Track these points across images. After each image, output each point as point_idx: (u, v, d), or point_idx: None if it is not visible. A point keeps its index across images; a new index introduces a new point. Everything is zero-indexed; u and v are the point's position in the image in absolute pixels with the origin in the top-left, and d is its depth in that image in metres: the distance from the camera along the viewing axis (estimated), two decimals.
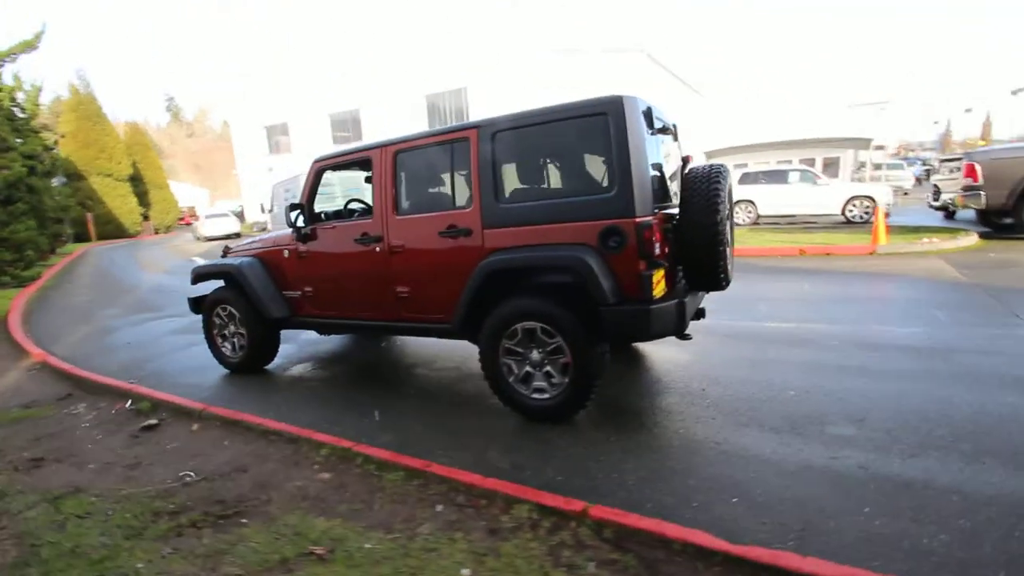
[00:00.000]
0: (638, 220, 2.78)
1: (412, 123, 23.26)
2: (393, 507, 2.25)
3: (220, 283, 4.78)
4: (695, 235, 3.08)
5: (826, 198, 12.78)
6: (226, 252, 4.83)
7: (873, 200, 12.39)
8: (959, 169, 9.05)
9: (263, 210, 16.75)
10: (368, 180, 4.65)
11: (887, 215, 11.96)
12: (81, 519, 2.24)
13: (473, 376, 4.07)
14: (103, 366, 4.94)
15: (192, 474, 2.66)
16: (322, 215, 4.18)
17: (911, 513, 2.07)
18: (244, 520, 2.22)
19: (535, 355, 3.12)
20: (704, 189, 3.08)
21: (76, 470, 2.83)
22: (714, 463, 2.56)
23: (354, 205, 4.52)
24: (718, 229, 3.05)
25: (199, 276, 4.77)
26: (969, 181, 8.32)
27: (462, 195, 3.32)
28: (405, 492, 2.35)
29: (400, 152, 3.53)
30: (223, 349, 4.66)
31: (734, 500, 2.23)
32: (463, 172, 3.31)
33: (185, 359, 5.21)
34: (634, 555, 1.83)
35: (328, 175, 4.09)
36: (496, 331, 3.17)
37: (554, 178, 3.18)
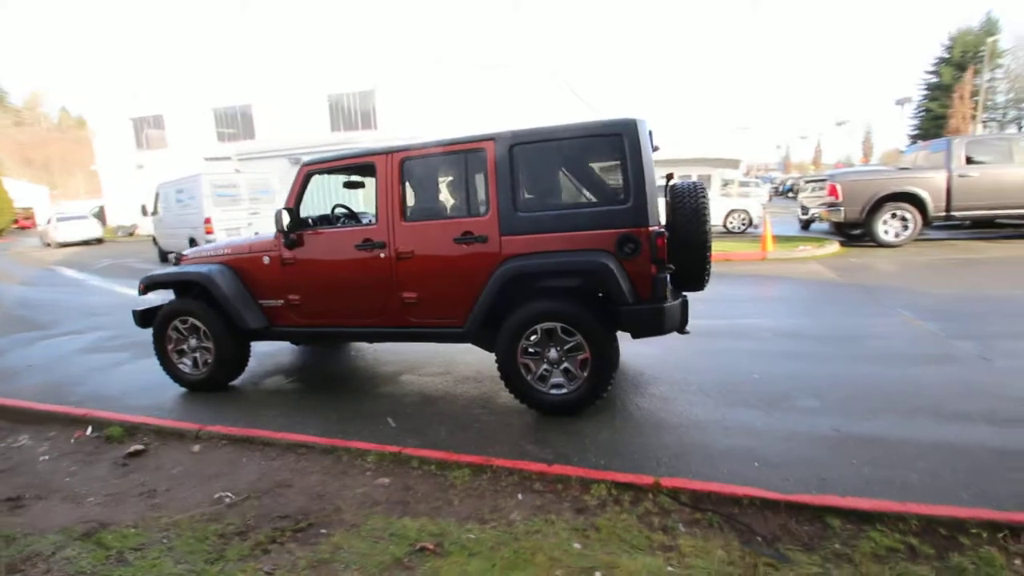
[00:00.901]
0: (651, 229, 3.16)
1: (312, 123, 22.14)
2: (473, 501, 2.35)
3: (170, 294, 4.37)
4: (686, 242, 3.54)
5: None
6: (180, 259, 4.41)
7: (748, 213, 14.35)
8: (823, 188, 10.90)
9: (145, 212, 14.85)
10: (350, 185, 4.58)
11: (756, 226, 13.98)
12: (139, 551, 2.02)
13: (467, 379, 4.19)
14: (16, 391, 4.23)
15: (230, 495, 2.49)
16: (309, 220, 4.03)
17: (885, 461, 2.64)
18: (324, 530, 2.17)
19: (553, 353, 3.36)
20: (692, 202, 3.55)
21: (74, 505, 2.48)
22: (724, 437, 2.99)
23: (339, 211, 4.40)
24: (706, 237, 3.54)
25: (152, 285, 4.30)
26: (832, 199, 10.09)
27: (477, 203, 3.46)
28: (477, 487, 2.45)
29: (408, 160, 3.57)
30: (180, 366, 4.25)
31: (756, 464, 2.66)
32: (478, 181, 3.45)
33: (120, 379, 4.64)
34: (712, 513, 2.15)
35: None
36: (516, 332, 3.35)
37: (569, 189, 3.45)
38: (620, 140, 3.17)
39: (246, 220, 12.28)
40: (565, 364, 3.35)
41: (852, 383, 3.68)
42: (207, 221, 11.61)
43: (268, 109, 22.83)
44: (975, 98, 31.60)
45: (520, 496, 2.36)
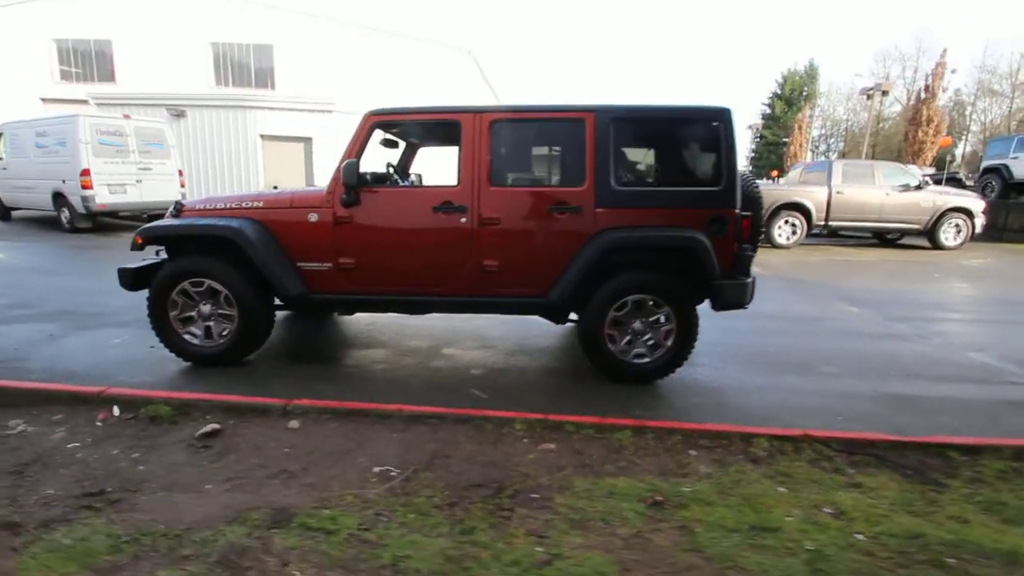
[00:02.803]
0: (738, 211, 3.45)
1: (191, 72, 19.23)
2: (654, 459, 2.40)
3: (162, 251, 3.68)
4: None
5: None
6: (180, 210, 3.68)
7: None
8: None
9: None
10: (388, 144, 4.21)
11: None
12: (370, 530, 1.73)
13: (516, 352, 4.16)
14: None
15: (394, 469, 2.22)
16: (367, 176, 3.61)
17: (919, 411, 3.23)
18: (535, 495, 2.07)
19: (637, 324, 3.50)
20: (748, 190, 3.92)
21: (198, 495, 2.01)
22: (794, 397, 3.41)
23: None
24: (760, 223, 3.94)
25: (154, 239, 3.55)
26: None
27: (573, 173, 3.43)
28: (647, 446, 2.51)
29: (498, 122, 3.41)
30: (186, 336, 3.58)
31: (838, 418, 3.08)
32: (575, 151, 3.42)
33: (76, 354, 3.79)
34: (861, 455, 2.49)
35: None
36: (607, 303, 3.42)
37: (663, 167, 3.57)
38: (717, 125, 3.38)
39: (134, 176, 10.38)
40: (649, 335, 3.50)
41: (846, 354, 4.37)
42: (84, 173, 9.58)
43: (133, 49, 19.26)
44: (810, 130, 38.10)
45: (693, 452, 2.48)
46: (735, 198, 3.42)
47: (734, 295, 3.45)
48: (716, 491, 2.14)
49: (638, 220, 3.39)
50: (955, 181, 18.45)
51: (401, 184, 3.90)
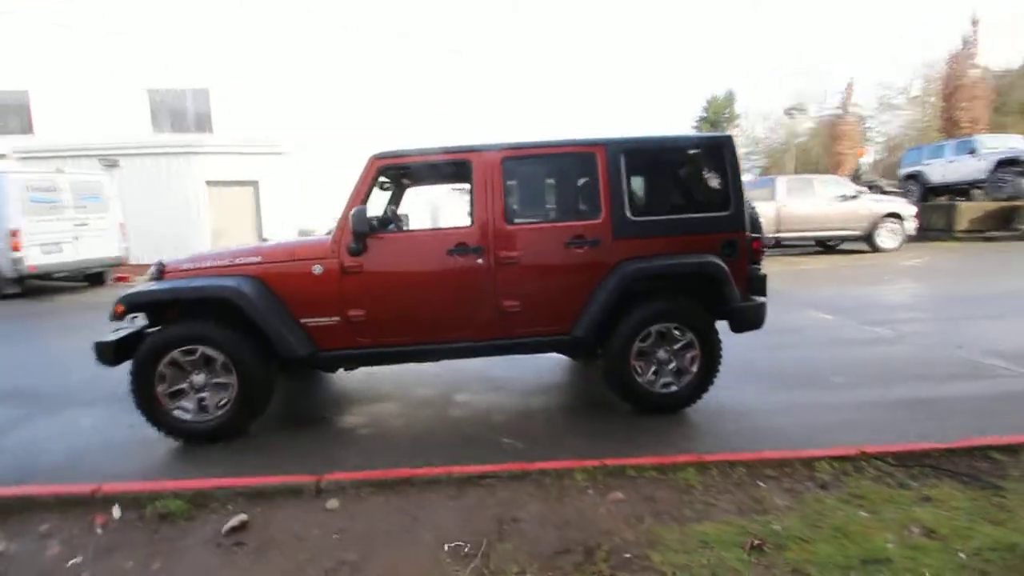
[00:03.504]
0: (748, 234, 3.52)
1: (126, 120, 18.21)
2: (728, 497, 2.31)
3: (138, 317, 3.34)
4: None
5: None
6: (162, 271, 3.34)
7: None
8: None
9: None
10: (386, 187, 4.06)
11: None
12: None
13: (531, 393, 4.02)
14: None
15: (466, 544, 2.01)
16: (373, 222, 3.42)
17: (934, 415, 3.33)
18: (627, 554, 1.91)
19: (662, 353, 3.45)
20: (750, 213, 4.02)
21: None
22: (825, 413, 3.45)
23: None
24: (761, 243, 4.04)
25: (136, 306, 3.19)
26: None
27: (588, 206, 3.40)
28: (715, 483, 2.41)
29: (510, 159, 3.34)
30: (176, 412, 3.21)
31: (871, 431, 3.12)
32: (589, 185, 3.40)
33: (48, 442, 3.34)
34: (918, 466, 2.50)
35: None
36: (631, 335, 3.36)
37: (673, 196, 3.59)
38: (720, 152, 3.47)
39: (71, 233, 9.57)
40: (674, 363, 3.47)
41: (844, 363, 4.50)
42: (14, 234, 8.73)
43: (53, 99, 18.04)
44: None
45: (762, 484, 2.41)
46: (744, 221, 3.49)
47: (753, 316, 3.48)
48: (806, 525, 2.07)
49: (655, 249, 3.39)
50: (876, 188, 20.13)
51: (406, 228, 3.75)
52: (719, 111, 51.28)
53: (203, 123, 18.84)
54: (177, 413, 3.22)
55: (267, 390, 3.31)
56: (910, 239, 12.44)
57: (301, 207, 15.52)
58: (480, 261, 3.30)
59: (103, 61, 17.91)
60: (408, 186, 4.56)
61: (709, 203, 3.52)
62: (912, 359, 4.55)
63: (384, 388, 4.16)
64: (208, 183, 15.44)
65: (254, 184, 15.64)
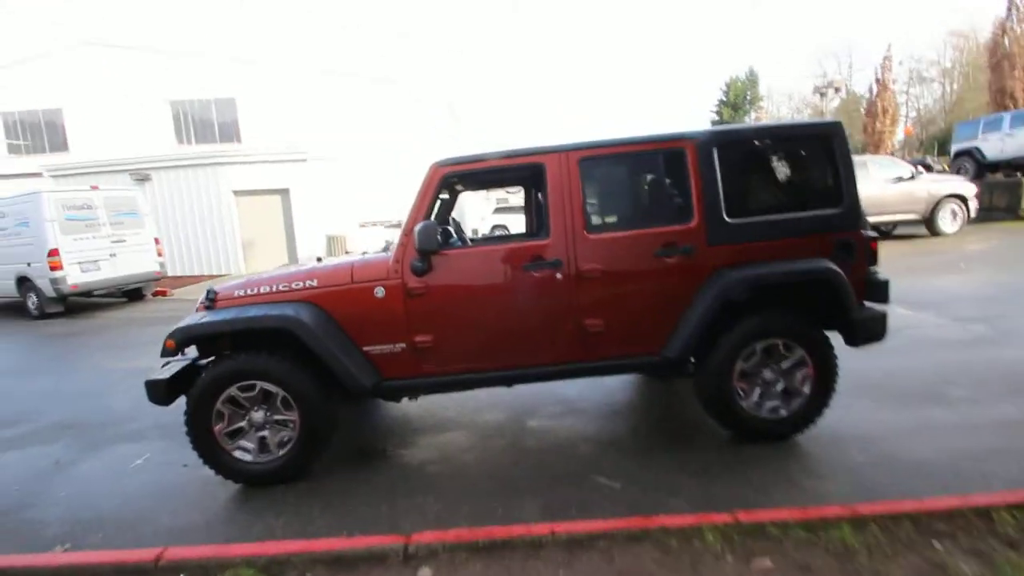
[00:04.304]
0: (864, 232, 3.07)
1: (150, 133, 18.40)
2: (902, 563, 1.91)
3: (185, 354, 3.08)
4: None
5: None
6: (214, 299, 3.07)
7: None
8: None
9: None
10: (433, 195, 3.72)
11: None
12: None
13: (603, 416, 3.68)
14: None
15: None
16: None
17: None
18: None
19: (768, 373, 3.04)
20: None
21: None
22: (931, 435, 3.05)
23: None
24: None
25: (189, 339, 2.92)
26: None
27: (678, 210, 3.00)
28: (878, 544, 2.00)
29: (586, 160, 2.97)
30: (236, 453, 2.94)
31: (1000, 464, 2.67)
32: (677, 185, 3.00)
33: (99, 485, 3.13)
34: None
35: None
36: (733, 353, 2.96)
37: (776, 192, 3.17)
38: (829, 140, 3.02)
39: (107, 250, 9.54)
40: (782, 383, 3.05)
41: (957, 370, 3.98)
42: (52, 253, 8.72)
43: (84, 115, 18.32)
44: None
45: (938, 545, 1.99)
46: (860, 218, 3.05)
47: (874, 328, 3.04)
48: None
49: (757, 254, 2.97)
50: (924, 167, 19.04)
51: (474, 242, 3.42)
52: (740, 93, 49.66)
53: (230, 133, 18.92)
54: (237, 454, 2.95)
55: (331, 426, 3.02)
56: (970, 221, 11.62)
57: (330, 214, 15.42)
58: (559, 276, 2.94)
59: (130, 75, 18.11)
60: (462, 192, 4.23)
61: (818, 199, 3.08)
62: None
63: (446, 414, 3.85)
64: (236, 192, 15.43)
65: (284, 192, 15.57)
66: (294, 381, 2.88)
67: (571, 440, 3.31)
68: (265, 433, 2.96)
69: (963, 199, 11.31)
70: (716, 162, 2.95)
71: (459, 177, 3.08)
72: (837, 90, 28.61)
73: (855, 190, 3.03)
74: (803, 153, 3.11)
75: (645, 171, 3.11)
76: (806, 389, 3.02)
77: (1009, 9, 18.01)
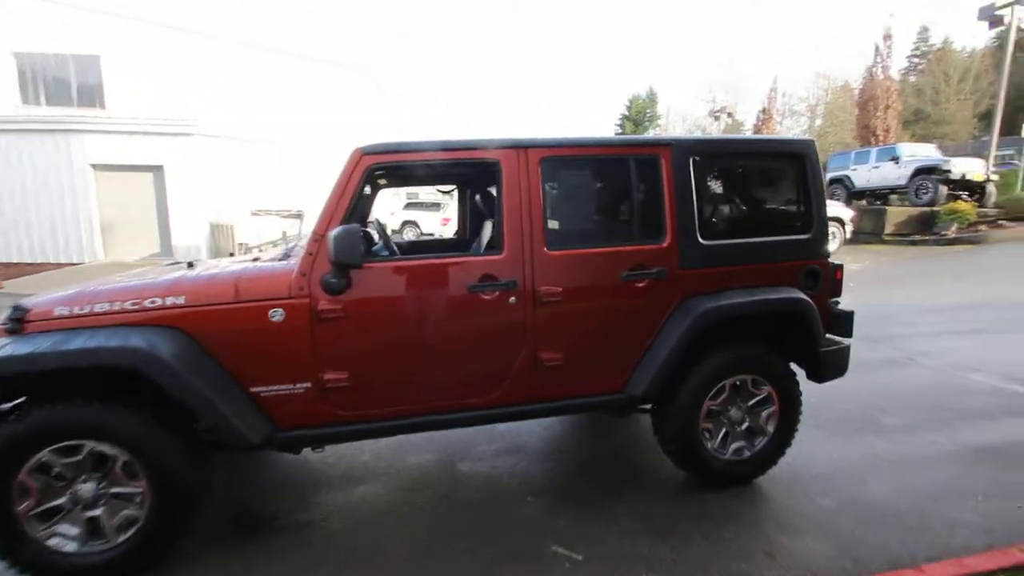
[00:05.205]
0: (830, 261, 2.88)
1: None
2: None
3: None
4: None
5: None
6: (22, 318, 2.12)
7: None
8: None
9: None
10: (356, 190, 3.03)
11: None
12: None
13: (560, 450, 3.18)
14: None
15: None
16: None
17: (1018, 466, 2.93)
18: None
19: (734, 412, 2.75)
20: None
21: None
22: (880, 470, 2.97)
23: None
24: None
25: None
26: None
27: (649, 226, 2.59)
28: None
29: (549, 160, 2.45)
30: (50, 542, 2.05)
31: (969, 503, 2.62)
32: (650, 198, 2.59)
33: None
34: None
35: None
36: (702, 392, 2.63)
37: (748, 213, 2.87)
38: (801, 161, 2.79)
39: None
40: (747, 423, 2.78)
41: (876, 392, 4.08)
42: None
43: None
44: None
45: None
46: (825, 246, 2.86)
47: (840, 362, 2.86)
48: None
49: (728, 281, 2.67)
50: None
51: (404, 252, 2.76)
52: (641, 110, 52.59)
53: (91, 96, 15.97)
54: (54, 543, 2.06)
55: (199, 495, 2.22)
56: (843, 243, 12.88)
57: (217, 198, 13.54)
58: (512, 300, 2.40)
59: None
60: (386, 187, 3.54)
61: (789, 224, 2.85)
62: (939, 387, 4.23)
63: (360, 458, 3.15)
64: (95, 166, 13.03)
65: (157, 169, 13.40)
66: (143, 440, 2.05)
67: (515, 491, 2.78)
68: (98, 512, 2.10)
69: (841, 222, 12.50)
70: (692, 174, 2.59)
71: (387, 169, 2.42)
72: (730, 115, 31.04)
73: (825, 216, 2.83)
74: (778, 172, 2.87)
75: (614, 179, 2.67)
76: (770, 427, 2.77)
77: (876, 56, 20.51)
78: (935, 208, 14.26)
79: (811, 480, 2.87)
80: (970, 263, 10.76)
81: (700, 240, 2.60)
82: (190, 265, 2.61)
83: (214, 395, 2.09)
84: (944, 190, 14.25)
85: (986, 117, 25.37)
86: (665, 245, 2.56)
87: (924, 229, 14.36)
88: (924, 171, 14.77)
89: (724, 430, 2.74)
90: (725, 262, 2.66)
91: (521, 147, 2.41)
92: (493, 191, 2.59)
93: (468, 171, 2.90)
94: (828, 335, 2.90)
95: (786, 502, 2.67)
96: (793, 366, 2.83)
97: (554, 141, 2.47)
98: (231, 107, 15.89)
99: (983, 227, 13.77)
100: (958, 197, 14.32)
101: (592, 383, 2.58)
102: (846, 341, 2.90)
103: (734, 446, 2.76)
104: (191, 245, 13.17)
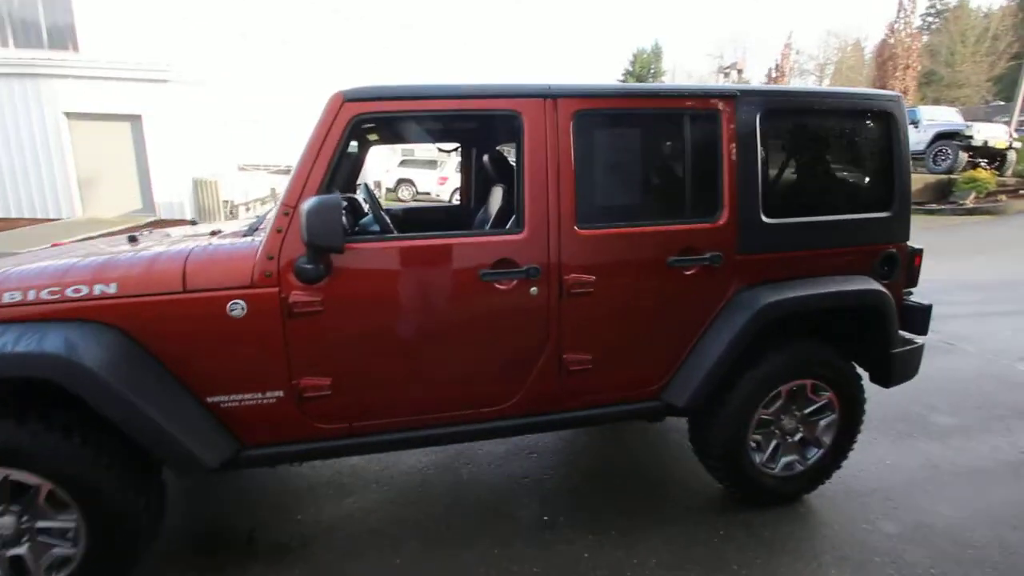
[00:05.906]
0: (911, 245, 2.42)
1: None
2: None
3: None
4: None
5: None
6: None
7: None
8: None
9: None
10: (336, 147, 2.50)
11: None
12: None
13: (581, 453, 2.80)
14: None
15: None
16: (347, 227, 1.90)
17: None
18: None
19: (786, 422, 2.34)
20: None
21: None
22: (958, 479, 2.63)
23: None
24: None
25: None
26: None
27: (701, 200, 2.10)
28: None
29: (585, 114, 1.93)
30: None
31: None
32: (704, 164, 2.08)
33: None
34: None
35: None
36: (755, 400, 2.21)
37: (823, 185, 2.36)
38: (887, 121, 2.28)
39: None
40: (801, 433, 2.37)
41: (919, 386, 3.68)
42: None
43: None
44: None
45: None
46: (908, 227, 2.38)
47: (912, 364, 2.43)
48: None
49: (793, 268, 2.20)
50: None
51: (397, 227, 2.25)
52: (646, 66, 50.53)
53: (63, 39, 14.80)
54: None
55: (146, 524, 1.80)
56: None
57: (201, 151, 12.75)
58: (535, 290, 1.94)
59: None
60: (374, 145, 3.00)
61: (866, 198, 2.36)
62: (986, 378, 3.86)
63: (346, 461, 2.74)
64: (69, 115, 12.17)
65: (135, 119, 12.54)
66: (69, 464, 1.62)
67: (527, 506, 2.40)
68: (21, 551, 1.68)
69: None
70: (758, 134, 2.08)
71: (378, 121, 1.90)
72: (740, 71, 29.66)
73: (908, 189, 2.34)
74: (858, 133, 2.35)
75: (662, 139, 2.15)
76: (827, 439, 2.37)
77: (899, 12, 19.35)
78: (953, 176, 13.68)
79: (867, 497, 2.50)
80: (992, 235, 10.31)
81: (763, 218, 2.12)
82: (132, 239, 2.11)
83: (157, 411, 1.64)
84: (964, 157, 13.63)
85: (1000, 80, 24.37)
86: (721, 223, 2.08)
87: (940, 198, 13.81)
88: (944, 136, 14.11)
89: (775, 442, 2.34)
90: (791, 246, 2.19)
91: (550, 96, 1.88)
92: (506, 151, 2.08)
93: (475, 126, 2.37)
94: (900, 332, 2.47)
95: (844, 526, 2.30)
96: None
97: (593, 89, 1.94)
98: (217, 55, 14.83)
99: (1002, 197, 13.22)
100: (977, 165, 13.72)
101: (624, 390, 2.15)
102: (920, 339, 2.46)
103: (785, 460, 2.36)
104: (173, 201, 12.50)
